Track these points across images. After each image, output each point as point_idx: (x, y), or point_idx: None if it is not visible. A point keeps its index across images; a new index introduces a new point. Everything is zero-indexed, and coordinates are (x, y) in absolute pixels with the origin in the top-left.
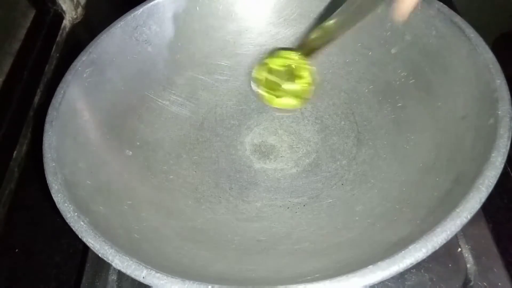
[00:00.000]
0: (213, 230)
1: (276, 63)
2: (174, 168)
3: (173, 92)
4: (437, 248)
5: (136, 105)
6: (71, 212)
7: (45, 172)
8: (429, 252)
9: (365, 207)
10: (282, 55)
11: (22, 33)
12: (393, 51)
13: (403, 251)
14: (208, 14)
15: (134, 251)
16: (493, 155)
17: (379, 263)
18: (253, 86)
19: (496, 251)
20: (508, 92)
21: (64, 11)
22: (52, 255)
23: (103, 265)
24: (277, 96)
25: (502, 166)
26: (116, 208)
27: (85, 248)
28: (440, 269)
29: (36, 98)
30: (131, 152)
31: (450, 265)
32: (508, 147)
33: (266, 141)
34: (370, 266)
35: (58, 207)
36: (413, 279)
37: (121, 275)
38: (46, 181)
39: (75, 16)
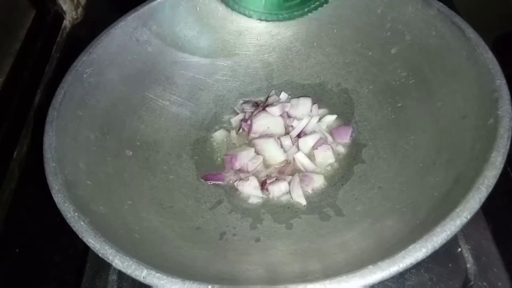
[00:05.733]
0: (213, 230)
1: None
2: (174, 168)
3: (173, 92)
4: (437, 248)
5: (136, 105)
6: (71, 212)
7: (45, 172)
8: (429, 252)
9: (365, 207)
10: None
11: (22, 33)
12: (393, 51)
13: (403, 251)
14: (208, 14)
15: (134, 251)
16: (493, 155)
17: (379, 263)
18: None
19: (496, 251)
20: (508, 92)
21: (64, 12)
22: (52, 255)
23: (103, 265)
24: None
25: (502, 166)
26: (116, 208)
27: (85, 248)
28: (440, 269)
29: (36, 98)
30: (131, 152)
31: (450, 265)
32: (508, 147)
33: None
34: (370, 266)
35: (58, 207)
36: (413, 279)
37: (121, 275)
38: (46, 181)
39: (75, 17)
